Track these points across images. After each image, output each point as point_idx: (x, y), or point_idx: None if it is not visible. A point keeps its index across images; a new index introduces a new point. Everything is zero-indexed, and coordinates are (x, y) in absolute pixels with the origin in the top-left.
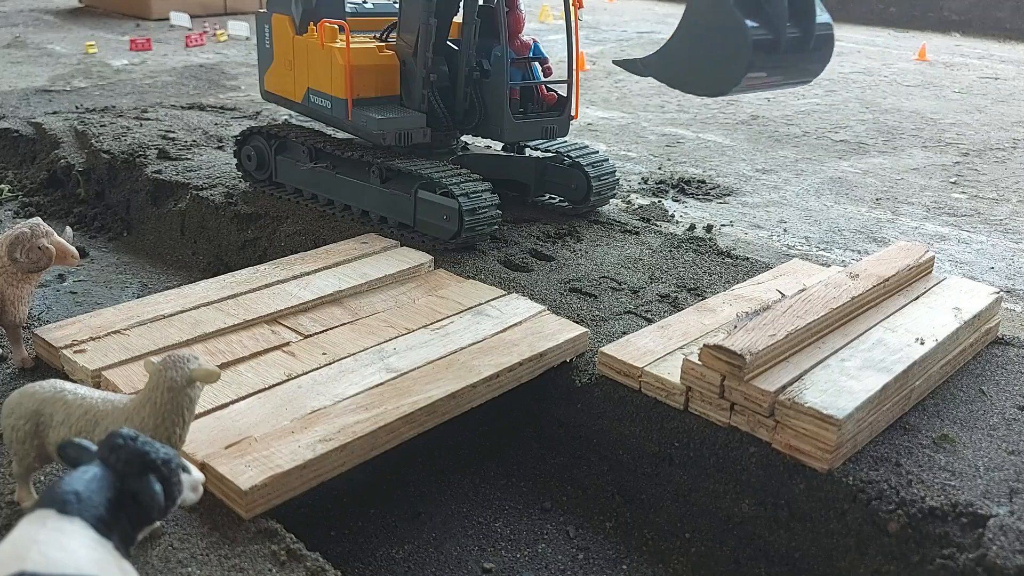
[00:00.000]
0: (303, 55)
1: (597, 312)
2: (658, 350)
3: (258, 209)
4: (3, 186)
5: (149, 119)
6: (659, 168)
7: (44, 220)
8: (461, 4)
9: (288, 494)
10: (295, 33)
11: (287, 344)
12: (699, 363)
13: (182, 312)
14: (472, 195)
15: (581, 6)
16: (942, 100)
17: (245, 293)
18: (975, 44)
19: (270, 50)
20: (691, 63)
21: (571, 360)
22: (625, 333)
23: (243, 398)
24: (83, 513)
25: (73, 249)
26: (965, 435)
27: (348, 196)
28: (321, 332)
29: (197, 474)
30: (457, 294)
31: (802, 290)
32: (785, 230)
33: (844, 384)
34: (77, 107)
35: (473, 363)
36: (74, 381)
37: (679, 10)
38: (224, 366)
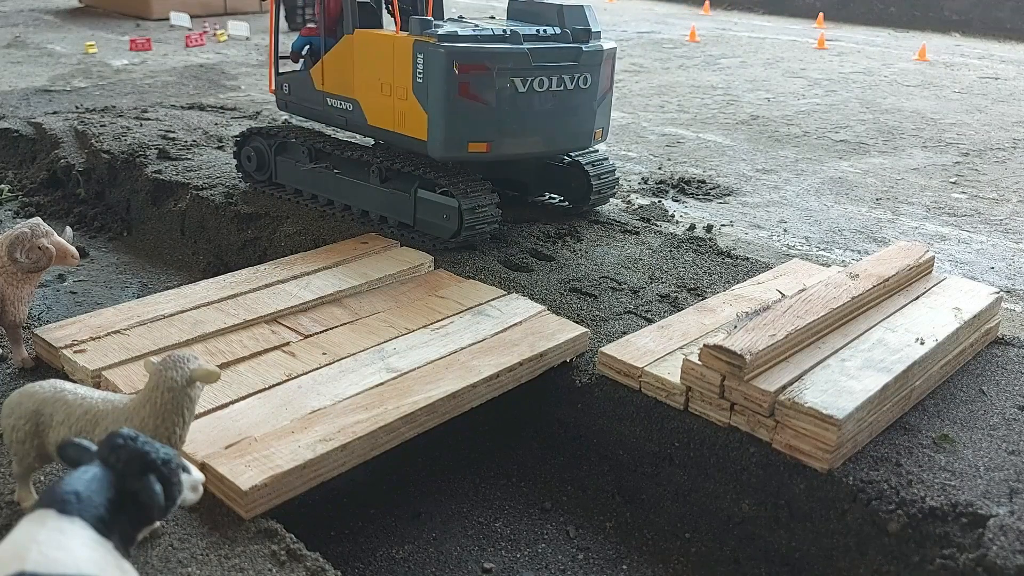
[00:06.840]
0: None
1: (597, 312)
2: (658, 350)
3: (258, 209)
4: (3, 186)
5: (149, 119)
6: (659, 168)
7: (44, 220)
8: None
9: (288, 494)
10: None
11: (287, 344)
12: (699, 363)
13: (182, 312)
14: (471, 194)
15: None
16: (942, 100)
17: (245, 293)
18: (975, 44)
19: None
20: None
21: (571, 360)
22: (625, 333)
23: (243, 398)
24: (83, 513)
25: (73, 249)
26: (965, 435)
27: (348, 196)
28: (321, 332)
29: (197, 474)
30: (457, 294)
31: (802, 290)
32: (785, 230)
33: (844, 384)
34: (77, 107)
35: (473, 363)
36: (74, 381)
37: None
38: (224, 366)
